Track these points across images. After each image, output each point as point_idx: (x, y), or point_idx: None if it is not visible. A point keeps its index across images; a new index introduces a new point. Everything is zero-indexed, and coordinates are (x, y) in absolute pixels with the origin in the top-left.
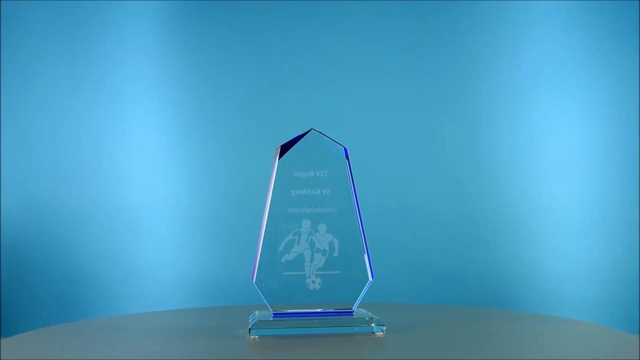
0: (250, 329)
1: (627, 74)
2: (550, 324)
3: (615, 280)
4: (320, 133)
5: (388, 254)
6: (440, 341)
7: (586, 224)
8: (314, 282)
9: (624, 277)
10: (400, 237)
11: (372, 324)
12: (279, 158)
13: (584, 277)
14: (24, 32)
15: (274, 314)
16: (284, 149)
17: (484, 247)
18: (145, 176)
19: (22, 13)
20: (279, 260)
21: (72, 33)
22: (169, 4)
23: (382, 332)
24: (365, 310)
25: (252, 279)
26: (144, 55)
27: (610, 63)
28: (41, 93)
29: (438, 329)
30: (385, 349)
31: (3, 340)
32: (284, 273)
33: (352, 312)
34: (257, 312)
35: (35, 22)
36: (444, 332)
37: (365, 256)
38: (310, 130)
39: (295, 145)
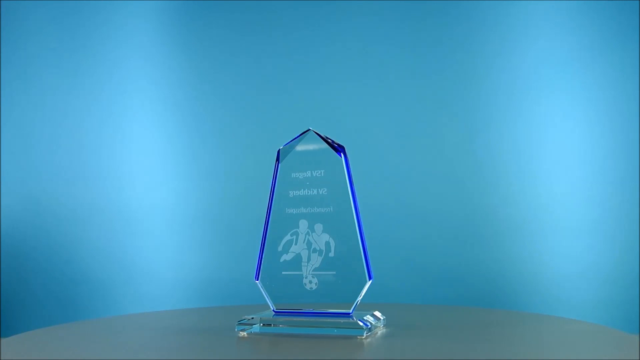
0: (237, 324)
1: (627, 74)
2: (550, 324)
3: (615, 280)
4: (317, 133)
5: (388, 254)
6: (440, 341)
7: (586, 224)
8: (310, 282)
9: (624, 277)
10: (400, 237)
11: (367, 326)
12: (278, 160)
13: (584, 277)
14: (24, 32)
15: (274, 312)
16: (283, 150)
17: (484, 247)
18: (145, 176)
19: (22, 13)
20: (278, 260)
21: (72, 33)
22: (169, 4)
23: (377, 333)
24: (366, 312)
25: (255, 279)
26: (144, 55)
27: (610, 63)
28: (41, 93)
29: (438, 329)
30: (383, 350)
31: (3, 340)
32: (283, 273)
33: (350, 313)
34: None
35: (35, 22)
36: (443, 332)
37: (363, 256)
38: (307, 130)
39: (293, 146)
